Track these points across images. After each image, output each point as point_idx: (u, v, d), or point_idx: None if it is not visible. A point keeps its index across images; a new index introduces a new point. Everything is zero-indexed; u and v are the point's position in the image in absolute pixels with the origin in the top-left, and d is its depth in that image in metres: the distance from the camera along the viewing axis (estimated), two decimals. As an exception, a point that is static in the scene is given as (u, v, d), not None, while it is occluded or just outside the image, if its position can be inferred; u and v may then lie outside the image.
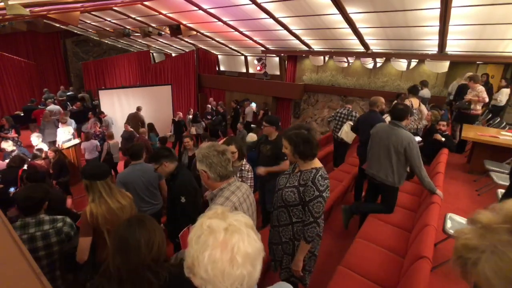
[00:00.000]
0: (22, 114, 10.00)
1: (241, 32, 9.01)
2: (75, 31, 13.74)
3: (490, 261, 0.52)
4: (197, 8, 7.52)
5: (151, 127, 8.16)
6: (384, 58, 8.38)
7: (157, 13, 8.39)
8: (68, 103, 10.94)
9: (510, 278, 0.50)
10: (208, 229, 0.71)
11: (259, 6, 6.61)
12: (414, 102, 4.61)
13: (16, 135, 6.80)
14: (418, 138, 4.17)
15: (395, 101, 5.25)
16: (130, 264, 1.12)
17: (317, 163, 1.82)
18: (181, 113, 9.25)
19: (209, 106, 10.33)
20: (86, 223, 1.84)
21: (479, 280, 0.55)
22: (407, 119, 2.82)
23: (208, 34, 10.11)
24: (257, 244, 0.73)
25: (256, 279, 0.72)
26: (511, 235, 0.51)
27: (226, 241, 0.69)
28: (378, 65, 8.70)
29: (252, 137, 4.20)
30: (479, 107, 5.00)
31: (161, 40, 12.27)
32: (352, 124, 4.82)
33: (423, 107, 4.94)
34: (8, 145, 5.56)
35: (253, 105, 11.66)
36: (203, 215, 0.78)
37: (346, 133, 4.76)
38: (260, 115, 10.47)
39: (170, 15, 8.61)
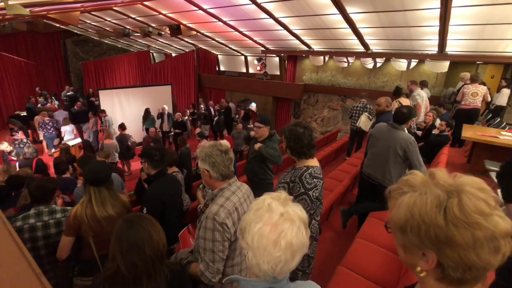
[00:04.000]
0: (25, 114, 10.00)
1: (241, 32, 9.01)
2: (75, 31, 13.74)
3: (412, 197, 0.62)
4: (197, 8, 7.52)
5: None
6: (384, 58, 8.38)
7: (157, 13, 8.39)
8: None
9: (412, 212, 0.61)
10: (268, 206, 0.80)
11: (259, 6, 6.61)
12: (403, 101, 4.73)
13: (24, 136, 6.88)
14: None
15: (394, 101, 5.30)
16: (146, 256, 1.14)
17: (311, 162, 1.82)
18: (180, 113, 9.26)
19: (202, 106, 10.28)
20: (69, 223, 1.83)
21: (394, 208, 0.67)
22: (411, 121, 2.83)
23: (208, 34, 10.11)
24: (303, 239, 0.79)
25: (291, 269, 0.78)
26: (443, 193, 0.59)
27: (278, 224, 0.77)
28: (378, 65, 8.70)
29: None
30: (463, 102, 5.43)
31: (161, 40, 12.26)
32: (368, 115, 5.12)
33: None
34: (4, 147, 5.60)
35: (253, 105, 11.66)
36: (268, 194, 0.86)
37: (363, 122, 5.32)
38: (241, 114, 10.48)
39: (170, 15, 8.61)
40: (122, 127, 7.27)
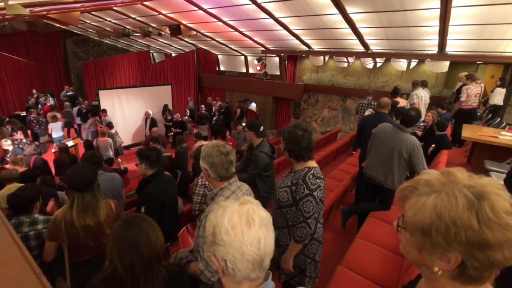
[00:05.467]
0: (25, 114, 10.02)
1: (241, 32, 9.01)
2: (75, 31, 13.74)
3: (438, 198, 0.60)
4: (197, 8, 7.52)
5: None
6: (384, 58, 8.38)
7: (157, 13, 8.39)
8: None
9: (440, 215, 0.59)
10: (224, 206, 0.81)
11: (259, 6, 6.60)
12: (401, 101, 4.75)
13: (23, 136, 6.92)
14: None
15: (394, 101, 5.34)
16: (144, 257, 1.13)
17: (311, 163, 1.79)
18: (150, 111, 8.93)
19: (202, 106, 10.29)
20: (50, 228, 1.77)
21: (411, 208, 0.65)
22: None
23: (208, 34, 10.11)
24: (268, 214, 0.82)
25: (271, 245, 0.78)
26: (471, 194, 0.58)
27: (241, 208, 0.79)
28: (378, 65, 8.70)
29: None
30: (465, 103, 5.45)
31: (161, 40, 12.26)
32: (372, 110, 5.36)
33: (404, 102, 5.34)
34: (7, 144, 5.63)
35: (253, 105, 11.65)
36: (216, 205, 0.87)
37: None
38: (237, 113, 10.45)
39: (170, 15, 8.61)
40: (109, 125, 7.52)
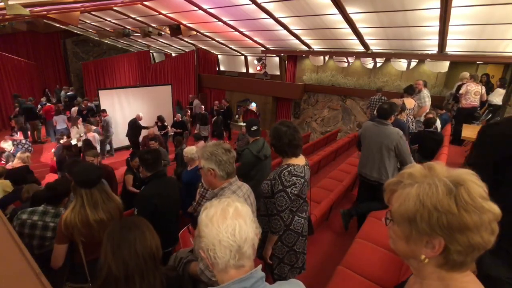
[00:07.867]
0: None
1: (241, 32, 9.01)
2: (75, 31, 13.74)
3: (420, 188, 0.66)
4: (197, 8, 7.53)
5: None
6: (384, 58, 8.38)
7: (157, 13, 8.40)
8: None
9: (423, 202, 0.64)
10: (206, 208, 0.89)
11: (259, 6, 6.61)
12: (407, 102, 4.63)
13: (22, 137, 6.91)
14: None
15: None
16: (138, 254, 1.11)
17: (295, 160, 1.83)
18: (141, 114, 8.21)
19: (202, 107, 10.24)
20: (61, 231, 1.74)
21: (397, 200, 0.70)
22: (401, 115, 2.87)
23: (208, 34, 10.11)
24: (248, 209, 0.88)
25: (248, 233, 0.82)
26: (448, 181, 0.64)
27: (219, 203, 0.87)
28: (378, 65, 8.70)
29: (191, 151, 3.48)
30: (464, 101, 5.58)
31: (161, 40, 12.27)
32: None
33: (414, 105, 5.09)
34: (7, 145, 5.63)
35: (253, 105, 11.65)
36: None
37: None
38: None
39: (170, 15, 8.62)
40: (89, 122, 7.68)
